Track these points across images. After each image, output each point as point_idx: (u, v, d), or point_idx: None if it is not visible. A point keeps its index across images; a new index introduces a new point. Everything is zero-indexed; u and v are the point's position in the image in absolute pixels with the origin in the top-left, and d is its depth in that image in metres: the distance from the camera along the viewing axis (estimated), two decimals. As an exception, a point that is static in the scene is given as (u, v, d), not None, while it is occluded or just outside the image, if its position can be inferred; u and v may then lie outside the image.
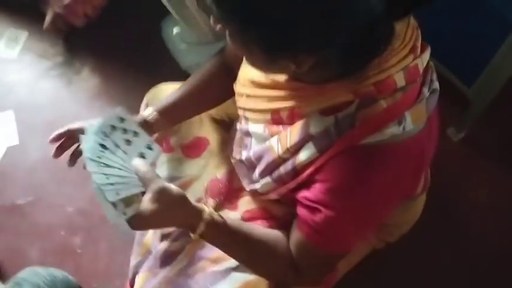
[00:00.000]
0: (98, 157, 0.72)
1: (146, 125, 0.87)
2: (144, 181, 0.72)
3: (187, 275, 0.89)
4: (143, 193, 0.73)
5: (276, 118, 0.76)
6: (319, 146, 0.70)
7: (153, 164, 0.80)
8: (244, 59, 0.80)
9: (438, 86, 0.75)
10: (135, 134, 0.78)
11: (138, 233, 1.12)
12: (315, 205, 0.73)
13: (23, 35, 1.50)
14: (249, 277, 0.84)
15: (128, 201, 0.71)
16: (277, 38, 0.61)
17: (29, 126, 1.31)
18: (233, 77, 0.88)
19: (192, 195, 0.87)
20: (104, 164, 0.72)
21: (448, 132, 1.31)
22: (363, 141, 0.67)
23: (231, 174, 0.97)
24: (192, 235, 0.78)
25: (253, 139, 0.83)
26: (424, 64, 0.71)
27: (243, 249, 0.80)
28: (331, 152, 0.69)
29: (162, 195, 0.71)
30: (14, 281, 0.85)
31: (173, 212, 0.73)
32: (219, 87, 0.94)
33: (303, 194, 0.75)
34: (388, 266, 1.14)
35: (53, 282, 0.85)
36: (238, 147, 0.89)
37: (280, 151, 0.75)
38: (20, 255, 1.14)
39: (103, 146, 0.74)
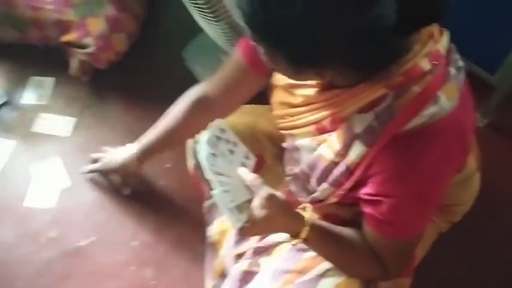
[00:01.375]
0: (213, 165, 0.79)
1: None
2: (253, 188, 0.80)
3: None
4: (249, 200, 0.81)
5: (320, 128, 0.84)
6: (366, 142, 0.77)
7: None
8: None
9: (463, 64, 0.82)
10: (235, 144, 0.85)
11: (208, 256, 1.19)
12: (377, 198, 0.80)
13: (50, 81, 1.55)
14: (337, 280, 0.91)
15: (241, 207, 0.78)
16: (299, 56, 0.71)
17: (76, 167, 1.36)
18: (209, 111, 1.02)
19: None
20: (217, 172, 0.79)
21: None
22: (405, 127, 0.74)
23: (289, 191, 1.05)
24: (293, 241, 0.85)
25: (302, 152, 0.91)
26: (446, 47, 0.79)
27: (338, 249, 0.88)
28: (378, 144, 0.77)
29: (271, 201, 0.79)
30: None
31: (281, 218, 0.81)
32: (194, 126, 1.06)
33: (363, 191, 0.82)
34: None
35: None
36: (291, 164, 0.98)
37: (332, 156, 0.82)
38: (96, 297, 1.19)
39: (213, 155, 0.81)
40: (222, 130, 0.85)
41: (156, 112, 1.17)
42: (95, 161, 1.34)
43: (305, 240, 0.83)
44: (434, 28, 0.79)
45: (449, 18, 0.71)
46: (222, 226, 1.14)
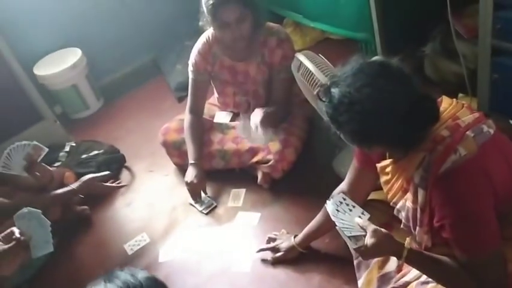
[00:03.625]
0: (336, 216, 1.31)
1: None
2: (364, 227, 1.27)
3: None
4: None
5: (403, 190, 1.31)
6: (423, 187, 1.22)
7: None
8: None
9: (490, 130, 1.20)
10: (353, 206, 1.34)
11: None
12: (440, 222, 1.20)
13: (243, 191, 2.21)
14: None
15: (357, 238, 1.26)
16: (354, 140, 1.21)
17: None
18: None
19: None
20: (341, 219, 1.30)
21: None
22: (440, 171, 1.16)
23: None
24: (399, 261, 1.28)
25: (402, 212, 1.35)
26: (467, 122, 1.20)
27: (437, 269, 1.24)
28: (430, 187, 1.19)
29: (375, 233, 1.24)
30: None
31: (384, 244, 1.24)
32: None
33: (434, 221, 1.22)
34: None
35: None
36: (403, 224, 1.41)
37: (412, 205, 1.27)
38: None
39: (337, 211, 1.33)
40: (343, 198, 1.37)
41: (313, 207, 1.71)
42: (271, 240, 1.91)
43: (406, 259, 1.23)
44: (464, 112, 1.23)
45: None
46: (367, 278, 1.55)
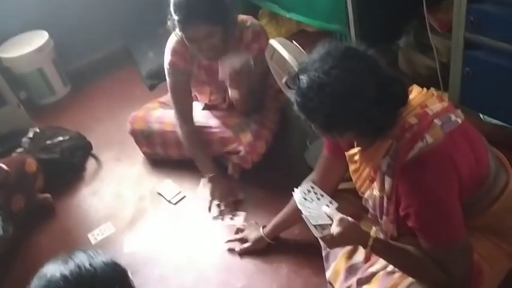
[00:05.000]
0: (303, 204, 1.29)
1: None
2: (331, 216, 1.25)
3: None
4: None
5: (370, 179, 1.30)
6: (390, 175, 1.20)
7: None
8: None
9: (457, 120, 1.20)
10: (321, 195, 1.33)
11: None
12: (406, 211, 1.19)
13: None
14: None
15: (323, 227, 1.24)
16: (325, 127, 1.18)
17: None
18: None
19: None
20: (308, 207, 1.28)
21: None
22: (407, 158, 1.15)
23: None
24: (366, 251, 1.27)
25: (369, 200, 1.34)
26: (435, 110, 1.19)
27: (403, 258, 1.23)
28: (397, 174, 1.18)
29: (342, 222, 1.22)
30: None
31: (351, 233, 1.22)
32: None
33: (400, 210, 1.21)
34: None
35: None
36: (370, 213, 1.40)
37: (379, 193, 1.26)
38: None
39: (305, 199, 1.31)
40: (312, 187, 1.34)
41: (283, 199, 1.68)
42: (239, 230, 1.88)
43: (372, 249, 1.22)
44: (428, 101, 1.22)
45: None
46: (335, 268, 1.54)
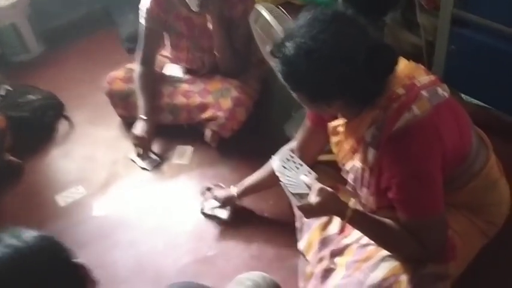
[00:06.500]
0: (282, 172, 1.25)
1: None
2: (309, 186, 1.22)
3: (349, 276, 1.31)
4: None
5: (352, 150, 1.26)
6: (374, 146, 1.17)
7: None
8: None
9: (444, 93, 1.18)
10: (300, 164, 1.29)
11: (300, 264, 1.58)
12: (388, 182, 1.16)
13: (190, 148, 2.12)
14: (394, 263, 1.23)
15: (301, 196, 1.21)
16: (312, 96, 1.15)
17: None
18: None
19: None
20: (286, 175, 1.25)
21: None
22: (393, 129, 1.12)
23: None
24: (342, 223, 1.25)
25: (351, 172, 1.30)
26: (422, 82, 1.17)
27: (380, 230, 1.21)
28: (381, 145, 1.15)
29: (321, 191, 1.19)
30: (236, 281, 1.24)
31: (330, 203, 1.20)
32: None
33: (382, 181, 1.19)
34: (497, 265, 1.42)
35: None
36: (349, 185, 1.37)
37: (360, 164, 1.23)
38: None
39: (284, 167, 1.27)
40: (291, 156, 1.31)
41: (260, 165, 1.66)
42: (208, 189, 1.84)
43: (350, 220, 1.19)
44: (415, 72, 1.20)
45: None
46: (309, 240, 1.53)
